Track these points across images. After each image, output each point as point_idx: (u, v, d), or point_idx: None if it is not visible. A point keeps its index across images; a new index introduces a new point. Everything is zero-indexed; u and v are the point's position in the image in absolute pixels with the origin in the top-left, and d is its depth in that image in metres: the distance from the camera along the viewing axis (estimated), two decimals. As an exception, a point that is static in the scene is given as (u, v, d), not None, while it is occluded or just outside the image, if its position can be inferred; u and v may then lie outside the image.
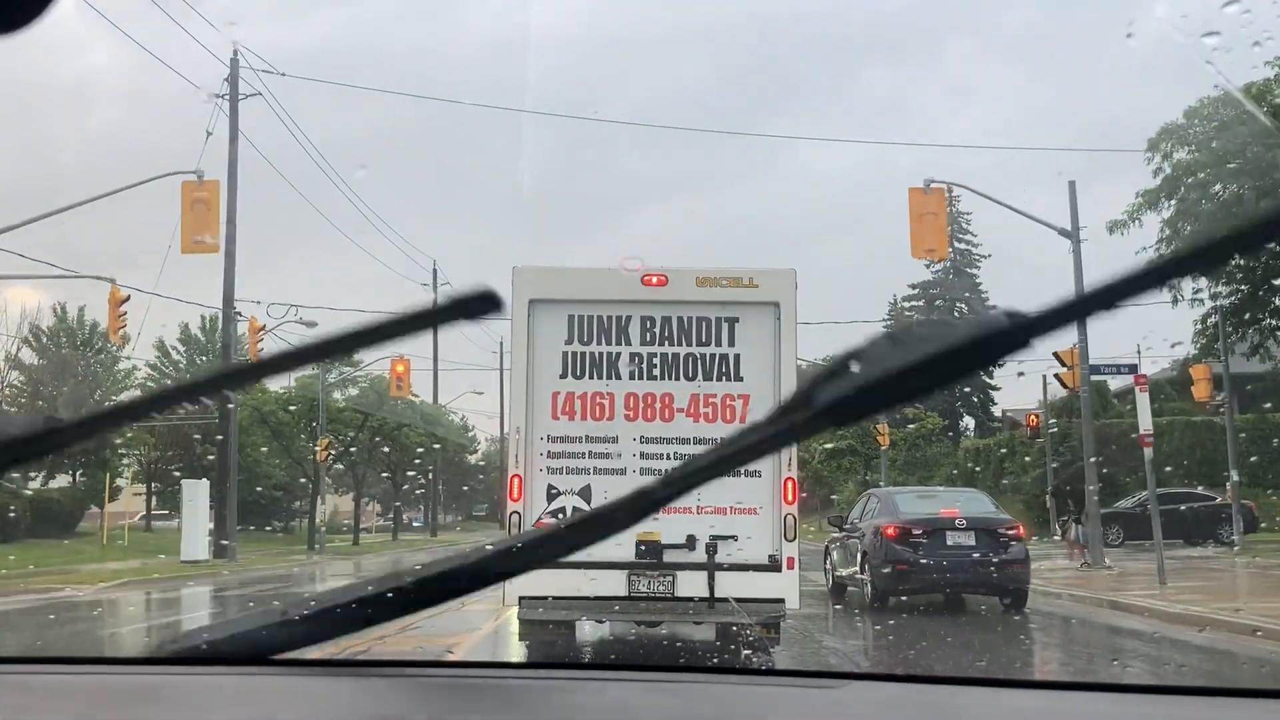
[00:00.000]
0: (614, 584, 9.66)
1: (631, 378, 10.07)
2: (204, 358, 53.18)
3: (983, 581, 15.84)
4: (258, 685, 1.62)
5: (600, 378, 10.09)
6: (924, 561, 15.54)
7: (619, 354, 10.10)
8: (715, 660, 9.71)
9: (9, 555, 30.01)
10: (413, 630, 14.60)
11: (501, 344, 44.43)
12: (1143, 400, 18.15)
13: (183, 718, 1.53)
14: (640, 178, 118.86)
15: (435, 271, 63.43)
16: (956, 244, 66.44)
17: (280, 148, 54.87)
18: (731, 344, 10.06)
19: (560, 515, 10.15)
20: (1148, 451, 18.23)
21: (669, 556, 9.72)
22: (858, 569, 16.74)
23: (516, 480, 10.11)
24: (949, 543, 15.77)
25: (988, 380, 70.80)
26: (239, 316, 35.21)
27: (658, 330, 10.10)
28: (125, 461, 48.08)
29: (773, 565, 9.74)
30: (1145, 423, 17.90)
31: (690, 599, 9.69)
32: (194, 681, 1.64)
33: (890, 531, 15.90)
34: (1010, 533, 16.06)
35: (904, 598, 16.21)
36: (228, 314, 35.44)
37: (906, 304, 72.13)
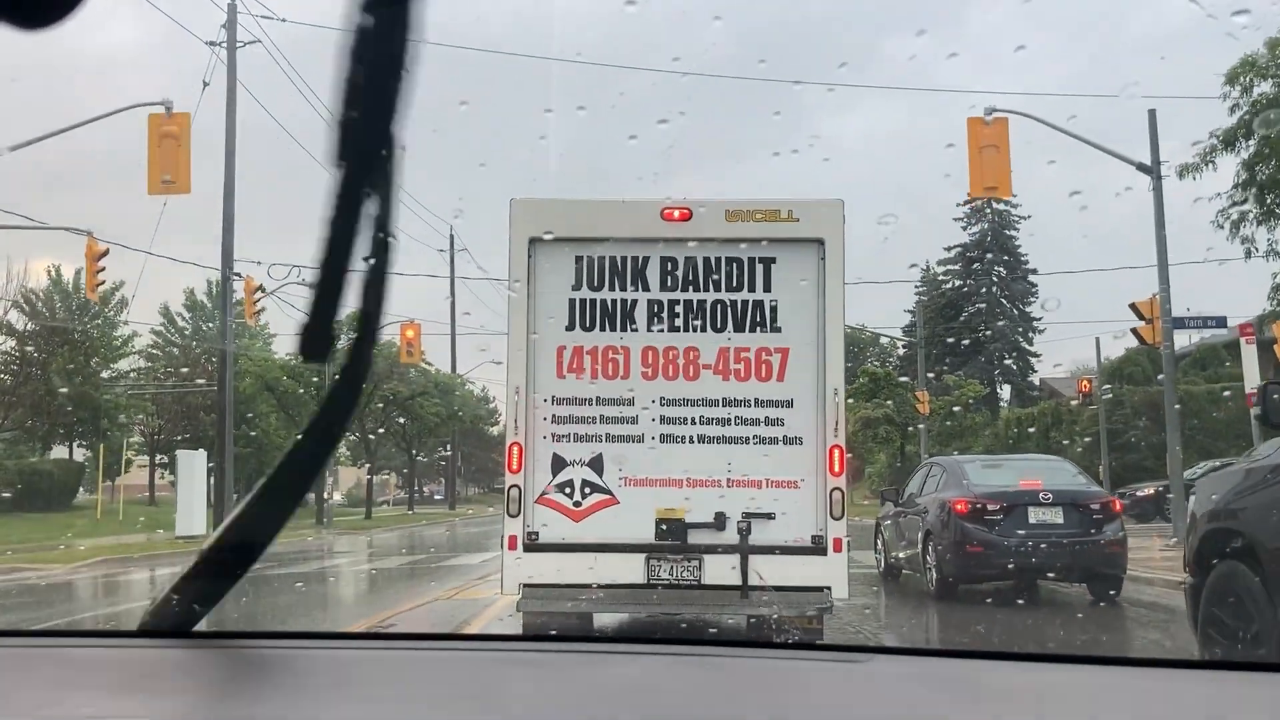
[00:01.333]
0: (630, 569, 8.32)
1: (650, 329, 8.68)
2: (209, 325, 51.19)
3: (1072, 566, 13.41)
4: (283, 658, 1.69)
5: (613, 329, 8.73)
6: (1002, 542, 13.17)
7: (635, 301, 8.71)
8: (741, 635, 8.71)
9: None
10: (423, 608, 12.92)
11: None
12: (1249, 354, 15.66)
13: (215, 690, 1.53)
14: (665, 148, 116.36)
15: (452, 238, 61.34)
16: (994, 204, 63.51)
17: (288, 107, 52.79)
18: (767, 289, 8.63)
19: (569, 489, 8.41)
20: (1256, 411, 15.73)
21: (694, 537, 8.37)
22: (919, 551, 14.39)
23: (516, 449, 8.75)
24: (1032, 520, 13.33)
25: (1028, 347, 68.24)
26: (237, 277, 33.14)
27: (681, 273, 8.69)
28: (129, 434, 46.31)
29: (817, 548, 8.39)
30: (1253, 378, 15.40)
31: (719, 587, 8.28)
32: (215, 656, 1.70)
33: (960, 507, 13.50)
34: (1105, 507, 13.63)
35: (975, 584, 13.87)
36: (225, 274, 33.37)
37: (940, 268, 69.40)
